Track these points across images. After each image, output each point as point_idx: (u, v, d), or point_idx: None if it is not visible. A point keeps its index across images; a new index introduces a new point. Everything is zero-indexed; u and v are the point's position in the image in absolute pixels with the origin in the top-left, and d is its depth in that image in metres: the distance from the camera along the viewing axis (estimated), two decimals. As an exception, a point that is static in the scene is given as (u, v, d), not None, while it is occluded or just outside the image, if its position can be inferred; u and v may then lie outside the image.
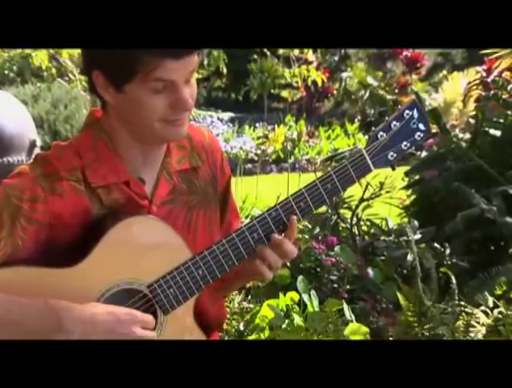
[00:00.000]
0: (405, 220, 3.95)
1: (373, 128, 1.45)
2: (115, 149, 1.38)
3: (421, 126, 1.45)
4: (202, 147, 1.49)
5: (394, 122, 1.44)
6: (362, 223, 3.68)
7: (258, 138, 9.50)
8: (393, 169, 1.47)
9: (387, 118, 1.46)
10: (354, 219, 3.58)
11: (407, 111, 1.45)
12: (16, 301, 1.26)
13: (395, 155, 1.45)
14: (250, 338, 2.64)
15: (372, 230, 3.65)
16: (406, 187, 3.93)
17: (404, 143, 1.45)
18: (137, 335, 1.29)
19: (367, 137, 1.44)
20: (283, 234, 1.41)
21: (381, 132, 1.44)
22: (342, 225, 3.66)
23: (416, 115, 1.45)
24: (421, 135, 1.46)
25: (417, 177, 3.87)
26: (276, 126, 10.04)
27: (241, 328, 2.70)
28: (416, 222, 3.44)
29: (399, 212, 4.15)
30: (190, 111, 1.34)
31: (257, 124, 10.51)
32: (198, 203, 1.47)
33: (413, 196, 4.02)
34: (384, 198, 3.61)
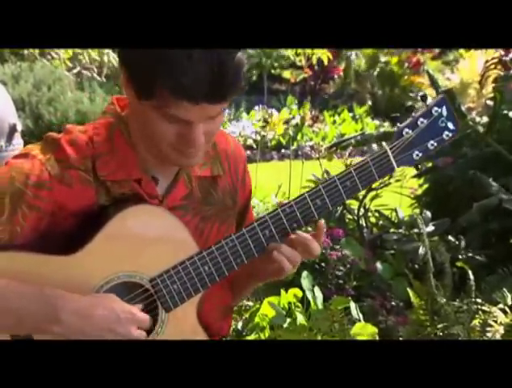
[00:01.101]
0: (417, 211, 3.95)
1: (398, 124, 1.44)
2: (132, 143, 1.38)
3: (450, 125, 1.45)
4: (225, 156, 1.49)
5: (421, 119, 1.44)
6: (370, 214, 3.69)
7: (258, 123, 9.48)
8: (417, 169, 1.47)
9: (414, 114, 1.45)
10: (362, 210, 3.58)
11: (436, 108, 1.45)
12: (13, 287, 1.27)
13: (420, 155, 1.45)
14: (249, 338, 2.64)
15: (381, 222, 3.66)
16: (418, 176, 3.92)
17: (431, 142, 1.45)
18: (134, 335, 1.30)
19: (394, 130, 1.44)
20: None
21: (407, 129, 1.44)
22: (349, 216, 3.66)
23: (445, 112, 1.45)
24: (450, 135, 1.45)
25: (429, 164, 3.87)
26: (277, 110, 10.02)
27: (240, 328, 2.70)
28: (428, 213, 3.44)
29: (410, 202, 4.15)
30: (203, 147, 1.33)
31: (256, 108, 10.49)
32: (214, 214, 1.48)
33: (426, 185, 4.02)
34: (394, 187, 3.61)
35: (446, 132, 1.46)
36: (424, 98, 1.45)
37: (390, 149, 1.43)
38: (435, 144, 1.45)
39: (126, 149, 1.38)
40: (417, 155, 1.45)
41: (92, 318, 1.27)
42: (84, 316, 1.27)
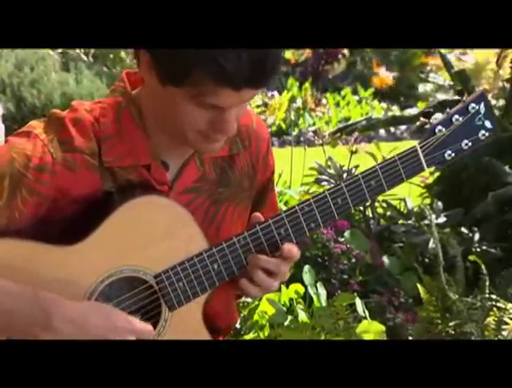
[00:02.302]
0: (427, 201, 3.96)
1: (430, 121, 1.43)
2: (142, 126, 1.37)
3: (488, 124, 1.44)
4: (247, 132, 1.48)
5: (456, 116, 1.42)
6: (377, 204, 3.69)
7: (257, 107, 9.47)
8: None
9: (448, 110, 1.44)
10: (368, 200, 3.58)
11: (473, 105, 1.43)
12: (6, 287, 1.27)
13: (453, 155, 1.43)
14: (248, 337, 2.65)
15: (389, 213, 3.66)
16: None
17: (466, 141, 1.43)
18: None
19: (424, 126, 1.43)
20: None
21: (440, 127, 1.42)
22: (354, 206, 3.65)
23: (483, 110, 1.43)
24: (486, 134, 1.44)
25: (441, 151, 3.87)
26: (277, 92, 10.01)
27: (238, 326, 2.71)
28: (440, 203, 3.45)
29: (420, 191, 4.16)
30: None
31: (255, 90, 10.47)
32: (228, 197, 1.46)
33: (437, 173, 4.02)
34: (403, 175, 3.61)
35: (483, 132, 1.44)
36: (461, 93, 1.44)
37: (421, 147, 1.42)
38: (470, 144, 1.44)
39: (135, 132, 1.37)
40: (450, 155, 1.43)
41: (86, 327, 1.27)
42: (78, 324, 1.26)
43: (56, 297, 1.27)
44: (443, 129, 1.43)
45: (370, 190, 1.41)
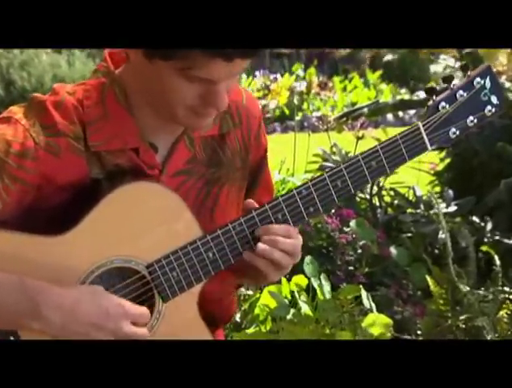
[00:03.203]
0: (437, 189, 3.95)
1: (434, 97, 1.42)
2: (127, 107, 1.37)
3: (494, 99, 1.43)
4: (237, 109, 1.47)
5: (461, 91, 1.42)
6: (384, 192, 3.69)
7: (258, 90, 9.46)
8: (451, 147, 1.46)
9: (452, 85, 1.43)
10: (375, 188, 3.58)
11: (478, 80, 1.42)
12: None
13: (458, 133, 1.42)
14: (249, 331, 2.65)
15: (396, 201, 3.65)
16: (439, 149, 3.92)
17: (471, 118, 1.43)
18: (125, 331, 1.29)
19: (428, 105, 1.42)
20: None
21: (443, 103, 1.41)
22: (360, 194, 3.66)
23: (488, 84, 1.43)
24: (493, 110, 1.43)
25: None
26: (280, 75, 10.00)
27: (238, 319, 2.71)
28: (450, 191, 3.44)
29: (429, 179, 4.15)
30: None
31: (256, 73, 10.46)
32: (220, 177, 1.46)
33: (447, 160, 4.02)
34: (411, 162, 3.59)
35: (489, 107, 1.43)
36: (465, 68, 1.44)
37: (423, 125, 1.41)
38: (475, 120, 1.43)
39: (121, 113, 1.36)
40: (454, 133, 1.42)
41: (76, 314, 1.27)
42: (67, 311, 1.26)
43: (44, 285, 1.27)
44: (447, 106, 1.42)
45: (371, 171, 1.41)
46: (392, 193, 3.72)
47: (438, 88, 1.43)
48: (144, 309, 1.33)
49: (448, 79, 1.42)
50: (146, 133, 1.38)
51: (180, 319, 1.40)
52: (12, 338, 1.29)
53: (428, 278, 2.52)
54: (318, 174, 1.43)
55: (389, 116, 9.21)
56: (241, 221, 1.38)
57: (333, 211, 3.26)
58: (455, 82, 1.44)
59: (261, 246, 1.36)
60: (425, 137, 1.42)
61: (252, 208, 1.39)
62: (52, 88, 1.38)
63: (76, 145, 1.34)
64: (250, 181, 1.52)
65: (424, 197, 3.52)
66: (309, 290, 2.77)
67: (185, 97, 1.29)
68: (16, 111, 1.35)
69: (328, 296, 2.72)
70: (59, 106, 1.34)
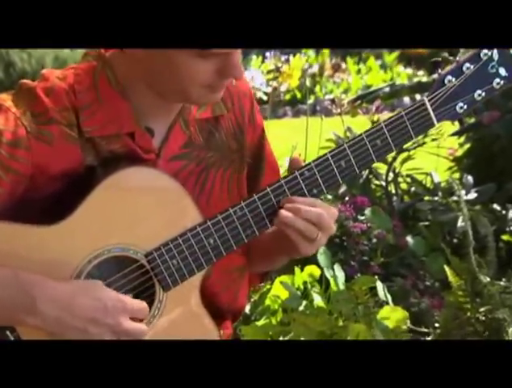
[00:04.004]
0: (456, 175, 3.94)
1: (439, 71, 1.42)
2: (120, 90, 1.37)
3: (502, 71, 1.44)
4: (227, 91, 1.48)
5: (467, 64, 1.43)
6: (400, 179, 3.68)
7: (269, 72, 9.44)
8: (461, 124, 1.47)
9: (458, 58, 1.43)
10: (391, 174, 3.58)
11: (485, 51, 1.43)
12: None
13: (465, 107, 1.43)
14: (259, 323, 2.66)
15: (413, 189, 3.65)
16: (458, 134, 3.90)
17: (479, 92, 1.43)
18: (124, 327, 1.30)
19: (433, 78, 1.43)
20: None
21: (449, 77, 1.42)
22: (375, 181, 3.65)
23: (496, 56, 1.43)
24: (501, 83, 1.44)
25: (472, 120, 3.84)
26: (292, 56, 9.97)
27: (248, 311, 2.72)
28: (470, 178, 3.43)
29: (448, 165, 4.14)
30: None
31: (267, 54, 10.43)
32: (217, 161, 1.48)
33: (467, 145, 4.00)
34: (430, 147, 3.59)
35: (497, 80, 1.44)
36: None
37: (429, 100, 1.42)
38: (483, 94, 1.44)
39: (114, 98, 1.37)
40: (462, 108, 1.43)
41: (73, 308, 1.27)
42: (64, 305, 1.27)
43: (40, 278, 1.27)
44: (453, 79, 1.43)
45: (376, 150, 1.41)
46: (408, 180, 3.72)
47: (442, 61, 1.44)
48: (143, 305, 1.34)
49: (454, 52, 1.43)
50: (141, 117, 1.39)
51: (182, 309, 1.41)
52: (8, 333, 1.30)
53: (446, 268, 2.51)
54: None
55: (406, 99, 9.16)
56: (242, 205, 1.38)
57: (346, 198, 3.26)
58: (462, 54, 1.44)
59: (283, 213, 1.37)
60: (431, 112, 1.42)
61: (295, 168, 1.39)
62: (41, 74, 1.39)
63: (69, 132, 1.34)
64: (253, 164, 1.53)
65: (442, 184, 3.51)
66: (322, 281, 2.78)
67: (201, 76, 1.30)
68: (6, 98, 1.35)
69: (342, 287, 2.72)
70: (50, 92, 1.34)
